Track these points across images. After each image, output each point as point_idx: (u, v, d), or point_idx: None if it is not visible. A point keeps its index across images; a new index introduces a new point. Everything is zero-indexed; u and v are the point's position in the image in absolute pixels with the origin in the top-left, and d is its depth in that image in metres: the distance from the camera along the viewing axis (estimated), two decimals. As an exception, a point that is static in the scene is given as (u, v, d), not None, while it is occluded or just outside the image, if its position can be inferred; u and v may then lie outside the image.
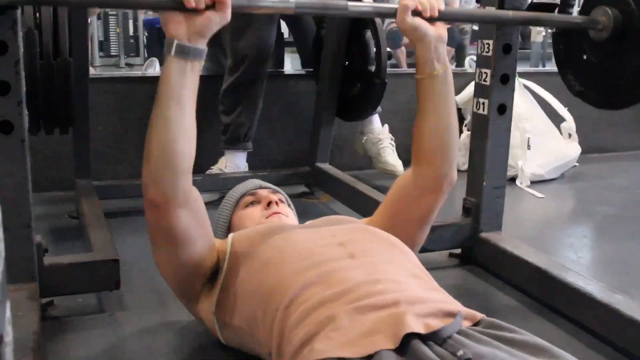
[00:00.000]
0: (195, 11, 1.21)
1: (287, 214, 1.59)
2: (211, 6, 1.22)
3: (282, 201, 1.63)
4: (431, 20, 1.39)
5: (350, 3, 1.39)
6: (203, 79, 1.31)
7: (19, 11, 1.51)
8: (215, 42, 2.79)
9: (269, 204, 1.57)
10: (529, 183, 3.14)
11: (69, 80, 2.15)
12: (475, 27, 4.25)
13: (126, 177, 2.88)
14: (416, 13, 1.37)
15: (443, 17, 1.41)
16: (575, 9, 1.87)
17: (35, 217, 1.61)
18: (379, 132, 2.99)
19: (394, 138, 3.03)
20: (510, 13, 1.70)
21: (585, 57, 1.70)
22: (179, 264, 1.36)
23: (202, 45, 1.24)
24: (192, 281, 1.40)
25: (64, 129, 2.33)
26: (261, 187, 1.66)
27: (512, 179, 3.14)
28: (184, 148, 1.24)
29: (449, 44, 6.51)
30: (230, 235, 1.43)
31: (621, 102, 1.66)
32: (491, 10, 1.83)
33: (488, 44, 1.94)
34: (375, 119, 3.00)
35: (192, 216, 1.30)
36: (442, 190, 1.49)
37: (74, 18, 2.15)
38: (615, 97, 1.67)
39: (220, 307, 1.36)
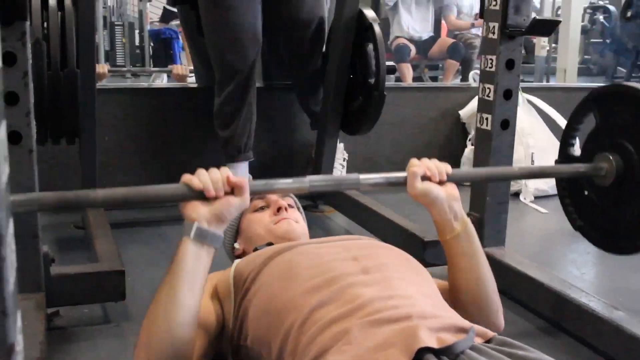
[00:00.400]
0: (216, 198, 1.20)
1: (297, 220, 1.57)
2: (230, 192, 1.21)
3: (291, 206, 1.61)
4: (440, 183, 1.38)
5: (361, 176, 1.39)
6: (208, 89, 1.32)
7: (27, 23, 1.53)
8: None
9: (279, 209, 1.55)
10: (532, 198, 3.15)
11: (76, 91, 2.17)
12: (480, 42, 4.24)
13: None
14: (425, 178, 1.37)
15: (451, 179, 1.41)
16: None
17: (42, 227, 1.63)
18: None
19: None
20: (516, 169, 1.71)
21: (586, 193, 1.70)
22: None
23: (221, 231, 1.22)
24: None
25: (71, 139, 2.35)
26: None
27: (516, 194, 3.15)
28: (190, 334, 1.20)
29: (454, 58, 6.55)
30: (233, 268, 1.39)
31: (619, 248, 1.67)
32: (498, 169, 1.84)
33: (491, 59, 1.95)
34: None
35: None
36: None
37: (81, 29, 2.17)
38: (614, 242, 1.68)
39: (231, 331, 1.35)
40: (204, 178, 1.19)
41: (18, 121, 1.52)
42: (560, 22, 1.80)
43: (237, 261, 1.41)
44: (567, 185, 1.78)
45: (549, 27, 1.85)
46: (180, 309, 1.18)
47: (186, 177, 1.20)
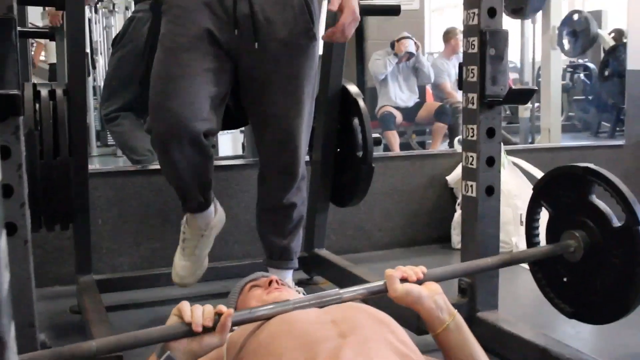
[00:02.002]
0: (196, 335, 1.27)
1: (289, 292, 1.63)
2: (211, 328, 1.28)
3: (285, 286, 1.68)
4: (419, 283, 1.45)
5: (341, 290, 1.47)
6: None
7: (21, 118, 1.57)
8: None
9: (270, 282, 1.63)
10: (524, 259, 3.17)
11: (69, 178, 2.21)
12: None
13: (126, 270, 2.92)
14: (403, 281, 1.44)
15: (427, 278, 1.48)
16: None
17: (38, 313, 1.64)
18: None
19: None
20: (489, 260, 1.84)
21: (565, 279, 1.84)
22: None
23: None
24: None
25: (65, 224, 2.38)
26: (263, 276, 1.72)
27: (507, 256, 3.17)
28: None
29: (442, 121, 6.65)
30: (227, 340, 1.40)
31: (597, 318, 1.82)
32: (472, 263, 1.90)
33: (472, 128, 2.01)
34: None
35: None
36: None
37: (73, 118, 2.22)
38: (590, 313, 1.82)
39: None
40: (195, 313, 1.28)
41: (13, 212, 1.55)
42: (535, 90, 1.89)
43: (229, 336, 1.44)
44: (540, 268, 1.92)
45: (525, 96, 1.93)
46: None
47: (178, 311, 1.30)
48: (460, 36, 7.38)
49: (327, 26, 2.70)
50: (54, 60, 6.64)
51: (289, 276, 2.40)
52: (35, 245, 1.65)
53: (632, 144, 4.26)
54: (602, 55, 7.16)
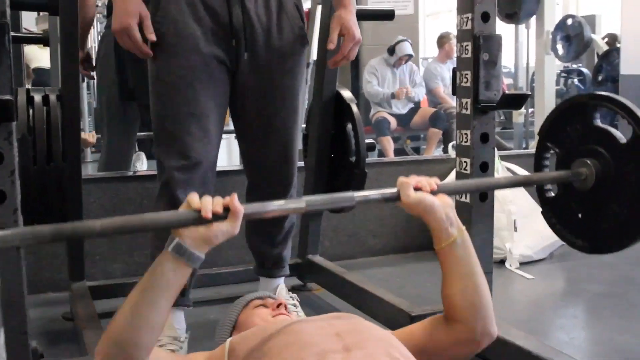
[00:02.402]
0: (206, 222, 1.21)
1: (293, 317, 1.64)
2: (221, 217, 1.22)
3: (289, 311, 1.68)
4: (432, 194, 1.42)
5: (356, 194, 1.44)
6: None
7: (14, 123, 1.57)
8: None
9: (279, 305, 1.61)
10: (518, 265, 3.18)
11: (63, 184, 2.21)
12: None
13: (119, 276, 2.90)
14: (416, 190, 1.41)
15: (440, 191, 1.45)
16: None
17: (30, 320, 1.63)
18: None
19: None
20: (502, 179, 1.81)
21: (579, 215, 1.77)
22: None
23: (202, 253, 1.22)
24: None
25: (58, 231, 2.36)
26: (270, 297, 1.70)
27: (502, 262, 3.18)
28: (143, 340, 1.21)
29: (436, 126, 6.66)
30: (228, 340, 1.41)
31: (608, 246, 1.75)
32: (484, 180, 1.92)
33: (466, 134, 2.01)
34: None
35: None
36: (481, 345, 1.45)
37: (67, 123, 2.22)
38: (601, 243, 1.77)
39: None
40: (204, 200, 1.21)
41: (6, 218, 1.54)
42: (529, 95, 1.88)
43: (230, 338, 1.43)
44: (552, 210, 1.85)
45: (518, 101, 1.92)
46: (140, 314, 1.19)
47: (186, 202, 1.23)
48: (455, 41, 7.42)
49: (320, 48, 2.73)
50: (37, 64, 6.64)
51: (280, 283, 2.38)
52: (28, 252, 1.65)
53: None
54: (596, 60, 7.18)
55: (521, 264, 3.19)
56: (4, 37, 1.51)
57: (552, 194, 1.84)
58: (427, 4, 11.83)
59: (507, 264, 3.17)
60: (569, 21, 6.46)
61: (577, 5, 10.50)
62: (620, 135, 1.66)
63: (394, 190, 1.43)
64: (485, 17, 1.98)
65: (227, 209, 1.22)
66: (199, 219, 1.21)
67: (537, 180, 1.87)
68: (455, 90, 2.05)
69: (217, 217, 1.21)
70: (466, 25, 1.99)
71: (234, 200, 1.23)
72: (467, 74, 2.00)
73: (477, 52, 1.96)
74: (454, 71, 2.06)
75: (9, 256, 1.55)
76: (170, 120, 2.01)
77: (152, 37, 1.94)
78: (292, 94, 2.12)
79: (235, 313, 1.64)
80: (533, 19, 5.99)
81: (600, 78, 6.69)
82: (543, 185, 1.85)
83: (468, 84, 1.99)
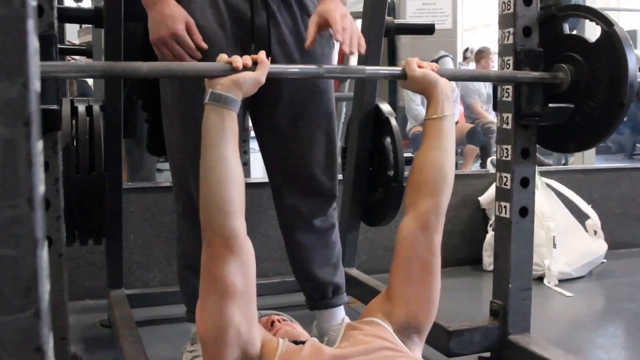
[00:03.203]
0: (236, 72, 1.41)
1: (294, 327, 1.63)
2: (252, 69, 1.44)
3: (284, 320, 1.67)
4: None
5: (367, 68, 1.71)
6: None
7: (59, 133, 1.60)
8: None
9: (272, 323, 1.62)
10: (556, 282, 3.13)
11: (104, 193, 2.24)
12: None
13: (157, 285, 2.93)
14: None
15: (440, 73, 1.64)
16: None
17: (70, 326, 1.66)
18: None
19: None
20: (492, 73, 1.86)
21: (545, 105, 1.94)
22: (218, 319, 1.33)
23: (235, 95, 1.38)
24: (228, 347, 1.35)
25: (98, 239, 2.40)
26: (263, 317, 1.67)
27: (540, 278, 3.14)
28: (229, 193, 1.34)
29: (473, 143, 6.61)
30: (282, 344, 1.41)
31: (580, 145, 1.96)
32: (483, 71, 2.03)
33: (507, 149, 2.00)
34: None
35: (241, 268, 1.34)
36: (439, 229, 1.56)
37: (108, 134, 2.25)
38: (572, 142, 1.95)
39: None
40: (234, 56, 1.43)
41: (49, 226, 1.57)
42: (573, 108, 1.87)
43: (284, 343, 1.41)
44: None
45: (563, 114, 1.89)
46: (213, 172, 1.34)
47: (219, 55, 1.46)
48: (492, 56, 7.35)
49: (358, 59, 2.69)
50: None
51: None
52: (67, 259, 1.67)
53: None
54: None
55: (560, 281, 3.15)
56: (51, 48, 1.54)
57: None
58: (466, 18, 11.79)
59: (545, 281, 3.13)
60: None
61: (618, 20, 10.35)
62: (589, 38, 1.86)
63: (399, 68, 1.67)
64: (527, 31, 1.97)
65: (255, 63, 1.44)
66: (231, 70, 1.40)
67: (522, 78, 1.93)
68: (496, 104, 2.04)
69: (246, 69, 1.42)
70: (508, 39, 1.99)
71: (261, 54, 1.46)
72: (508, 89, 1.99)
73: (518, 66, 1.95)
74: (495, 86, 2.05)
75: (52, 263, 1.58)
76: (189, 157, 1.82)
77: (204, 45, 1.77)
78: (325, 98, 1.97)
79: None
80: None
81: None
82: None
83: (509, 99, 1.98)
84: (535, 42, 1.97)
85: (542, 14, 1.98)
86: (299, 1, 1.92)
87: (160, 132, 2.01)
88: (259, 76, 1.42)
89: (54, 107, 1.52)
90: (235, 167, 1.36)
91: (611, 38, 1.80)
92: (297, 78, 1.71)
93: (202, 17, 1.82)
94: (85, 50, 3.71)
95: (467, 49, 8.66)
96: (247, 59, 1.42)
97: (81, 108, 2.21)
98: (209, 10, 1.83)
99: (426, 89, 1.60)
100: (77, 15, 2.40)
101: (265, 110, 1.95)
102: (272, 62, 1.86)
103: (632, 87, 1.78)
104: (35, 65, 0.48)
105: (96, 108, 2.23)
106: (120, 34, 2.25)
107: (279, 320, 1.63)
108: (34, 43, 0.48)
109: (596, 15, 1.83)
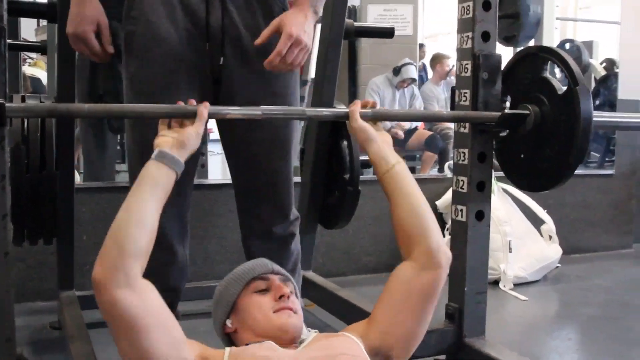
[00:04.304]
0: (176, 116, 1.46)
1: (297, 310, 1.51)
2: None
3: (293, 293, 1.54)
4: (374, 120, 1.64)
5: (307, 110, 1.71)
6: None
7: (7, 128, 1.55)
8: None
9: (281, 296, 1.49)
10: (512, 286, 3.16)
11: (55, 192, 2.19)
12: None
13: (109, 287, 2.88)
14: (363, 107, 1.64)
15: (381, 112, 1.69)
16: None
17: (17, 328, 1.61)
18: None
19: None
20: (444, 113, 1.87)
21: (522, 156, 1.96)
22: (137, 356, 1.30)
23: (181, 157, 1.40)
24: None
25: (49, 239, 2.34)
26: (273, 272, 1.55)
27: (496, 282, 3.16)
28: (136, 234, 1.29)
29: (431, 150, 6.65)
30: (227, 351, 1.37)
31: (542, 185, 1.94)
32: (428, 112, 2.03)
33: (464, 152, 2.00)
34: None
35: (139, 302, 1.27)
36: (442, 265, 1.48)
37: (61, 132, 2.20)
38: (536, 181, 1.95)
39: None
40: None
41: (-6, 225, 1.53)
42: (527, 115, 1.89)
43: (230, 349, 1.38)
44: (501, 151, 2.04)
45: (518, 120, 1.90)
46: (130, 210, 1.32)
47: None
48: (446, 61, 7.40)
49: (318, 65, 2.65)
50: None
51: None
52: (17, 259, 1.63)
53: (621, 174, 4.27)
54: (593, 84, 7.20)
55: (515, 285, 3.17)
56: (0, 41, 1.50)
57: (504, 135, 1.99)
58: (427, 25, 11.86)
59: (501, 285, 3.15)
60: (567, 45, 6.48)
61: (575, 30, 10.54)
62: (560, 87, 1.87)
63: (345, 110, 1.65)
64: (486, 36, 1.98)
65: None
66: (170, 113, 1.46)
67: (484, 118, 1.95)
68: (454, 108, 2.04)
69: (185, 116, 1.46)
70: (466, 44, 1.99)
71: (200, 107, 1.47)
72: (466, 93, 1.99)
73: (476, 70, 1.96)
74: (453, 89, 2.05)
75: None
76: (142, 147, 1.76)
77: (110, 49, 1.83)
78: (286, 103, 1.90)
79: (234, 294, 1.53)
80: (531, 42, 6.00)
81: (597, 102, 6.70)
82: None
83: (467, 103, 1.98)
84: (493, 47, 1.98)
85: (525, 50, 2.02)
86: (261, 0, 1.87)
87: None
88: (200, 129, 1.46)
89: (1, 101, 1.47)
90: (155, 219, 1.33)
91: (573, 98, 1.81)
92: (236, 119, 1.61)
93: (152, 13, 1.77)
94: (39, 47, 3.63)
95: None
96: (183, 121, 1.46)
97: (31, 102, 2.16)
98: (160, 7, 1.77)
99: (365, 142, 1.59)
100: (29, 9, 2.34)
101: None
102: (225, 62, 1.84)
103: (583, 151, 1.83)
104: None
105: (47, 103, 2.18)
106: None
107: (288, 296, 1.50)
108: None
109: (568, 69, 1.84)
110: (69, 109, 1.60)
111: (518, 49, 2.27)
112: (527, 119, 1.90)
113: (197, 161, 1.93)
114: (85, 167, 3.48)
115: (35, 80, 5.51)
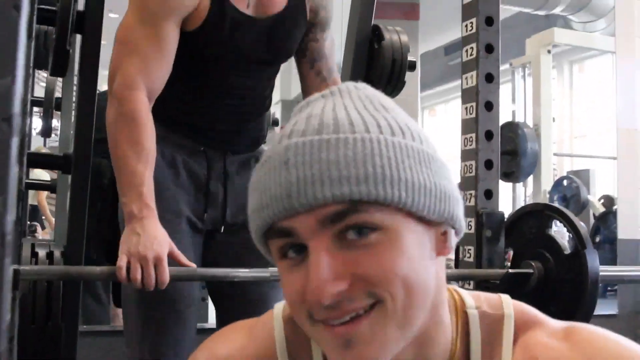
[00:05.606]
0: None
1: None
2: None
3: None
4: None
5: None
6: None
7: (18, 292, 1.56)
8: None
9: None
10: None
11: (59, 343, 2.17)
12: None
13: None
14: None
15: None
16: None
17: None
18: None
19: None
20: (449, 271, 1.91)
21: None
22: None
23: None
24: None
25: (50, 389, 2.30)
26: (300, 208, 0.73)
27: None
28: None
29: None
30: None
31: None
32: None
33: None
34: None
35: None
36: None
37: (68, 287, 2.21)
38: None
39: None
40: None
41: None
42: (532, 273, 1.92)
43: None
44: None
45: (522, 279, 1.92)
46: None
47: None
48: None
49: None
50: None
51: None
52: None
53: (625, 314, 4.24)
54: (592, 220, 7.27)
55: None
56: (19, 204, 1.53)
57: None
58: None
59: None
60: (565, 182, 6.60)
61: (572, 163, 10.77)
62: (567, 247, 1.90)
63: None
64: (489, 194, 2.03)
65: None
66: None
67: (487, 275, 1.97)
68: (458, 266, 2.06)
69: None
70: (469, 201, 2.04)
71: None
72: (470, 249, 2.02)
73: (479, 228, 2.00)
74: (457, 246, 2.08)
75: None
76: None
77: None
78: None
79: None
80: (530, 179, 6.13)
81: (597, 240, 6.75)
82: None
83: (471, 259, 2.01)
84: (496, 205, 2.03)
85: (531, 206, 2.10)
86: (258, 159, 1.93)
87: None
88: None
89: (15, 267, 1.49)
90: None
91: (580, 259, 1.84)
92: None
93: (160, 175, 1.78)
94: (50, 186, 3.70)
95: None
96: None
97: (42, 253, 2.17)
98: (167, 170, 1.83)
99: None
100: (46, 161, 2.40)
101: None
102: (226, 225, 1.88)
103: (590, 312, 1.83)
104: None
105: (57, 254, 2.20)
106: (87, 178, 2.25)
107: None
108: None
109: (575, 231, 1.86)
110: (80, 272, 1.72)
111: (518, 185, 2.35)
112: (531, 277, 1.92)
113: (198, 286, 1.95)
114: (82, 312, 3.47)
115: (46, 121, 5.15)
